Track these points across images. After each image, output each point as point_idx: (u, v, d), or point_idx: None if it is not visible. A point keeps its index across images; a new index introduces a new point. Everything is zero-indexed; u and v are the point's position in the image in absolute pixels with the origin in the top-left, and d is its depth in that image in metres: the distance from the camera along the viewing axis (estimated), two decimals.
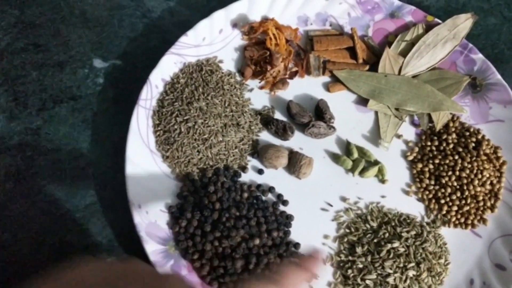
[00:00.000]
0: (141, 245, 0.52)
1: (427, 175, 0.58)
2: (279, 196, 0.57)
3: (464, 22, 0.62)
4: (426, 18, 0.64)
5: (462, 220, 0.56)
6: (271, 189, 0.57)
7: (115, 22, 0.66)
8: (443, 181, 0.57)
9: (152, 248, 0.52)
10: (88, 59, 0.64)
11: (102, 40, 0.65)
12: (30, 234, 0.55)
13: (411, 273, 0.52)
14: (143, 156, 0.56)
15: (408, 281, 0.52)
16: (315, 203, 0.57)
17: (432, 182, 0.58)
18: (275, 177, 0.58)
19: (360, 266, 0.53)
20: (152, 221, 0.53)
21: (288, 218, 0.56)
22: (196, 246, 0.52)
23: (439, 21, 0.63)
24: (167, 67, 0.60)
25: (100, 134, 0.60)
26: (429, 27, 0.63)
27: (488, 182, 0.57)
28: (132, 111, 0.57)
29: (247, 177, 0.58)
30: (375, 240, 0.54)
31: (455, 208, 0.56)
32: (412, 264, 0.53)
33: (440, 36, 0.62)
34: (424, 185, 0.58)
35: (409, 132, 0.61)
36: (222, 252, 0.52)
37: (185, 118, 0.57)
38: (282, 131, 0.59)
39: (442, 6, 0.69)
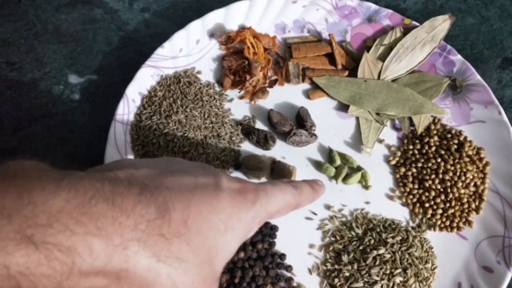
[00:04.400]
0: None
1: (411, 179, 0.57)
2: None
3: (442, 24, 0.62)
4: (403, 21, 0.63)
5: (448, 223, 0.56)
6: None
7: (90, 36, 0.65)
8: (427, 185, 0.57)
9: None
10: (63, 75, 0.63)
11: (77, 55, 0.64)
12: None
13: (398, 279, 0.52)
14: None
15: None
16: (299, 212, 0.56)
17: (416, 186, 0.57)
18: None
19: (347, 274, 0.53)
20: None
21: (273, 229, 0.55)
22: None
23: (417, 23, 0.63)
24: (144, 80, 0.59)
25: (77, 151, 0.59)
26: (407, 30, 0.63)
27: (472, 183, 0.56)
28: (109, 127, 0.56)
29: None
30: (360, 247, 0.54)
31: (439, 211, 0.56)
32: (399, 270, 0.52)
33: (418, 39, 0.62)
34: (407, 189, 0.57)
35: (391, 136, 0.60)
36: None
37: (164, 131, 0.56)
38: (263, 141, 0.58)
39: (420, 8, 0.69)
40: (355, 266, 0.53)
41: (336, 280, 0.53)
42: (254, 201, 0.36)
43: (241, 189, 0.36)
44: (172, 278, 0.31)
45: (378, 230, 0.55)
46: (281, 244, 0.55)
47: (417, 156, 0.58)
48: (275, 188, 0.40)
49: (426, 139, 0.59)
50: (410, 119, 0.60)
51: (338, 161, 0.58)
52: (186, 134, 0.56)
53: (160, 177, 0.34)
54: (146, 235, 0.30)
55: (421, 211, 0.57)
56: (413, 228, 0.56)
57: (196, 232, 0.32)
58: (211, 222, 0.33)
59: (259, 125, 0.60)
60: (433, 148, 0.58)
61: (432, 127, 0.59)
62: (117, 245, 0.29)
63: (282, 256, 0.54)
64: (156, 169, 0.35)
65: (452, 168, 0.56)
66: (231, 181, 0.36)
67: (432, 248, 0.55)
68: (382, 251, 0.53)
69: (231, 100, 0.61)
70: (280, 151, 0.59)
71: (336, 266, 0.53)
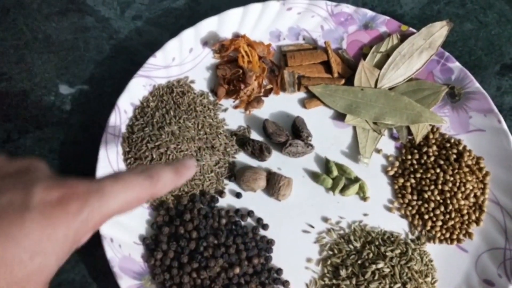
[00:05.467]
0: (115, 280, 0.49)
1: (409, 190, 0.56)
2: (259, 220, 0.55)
3: (439, 30, 0.61)
4: (400, 28, 0.62)
5: (447, 235, 0.55)
6: (250, 213, 0.55)
7: (81, 45, 0.64)
8: (426, 196, 0.55)
9: (127, 284, 0.49)
10: (53, 85, 0.61)
11: (67, 65, 0.62)
12: None
13: None
14: None
15: None
16: (296, 225, 0.55)
17: (415, 197, 0.56)
18: (254, 200, 0.56)
19: None
20: (125, 255, 0.51)
21: (269, 243, 0.54)
22: (174, 279, 0.50)
23: (414, 30, 0.62)
24: (136, 91, 0.57)
25: (68, 164, 0.57)
26: (404, 37, 0.61)
27: (472, 194, 0.55)
28: (100, 139, 0.54)
29: (224, 201, 0.56)
30: (359, 262, 0.53)
31: (439, 223, 0.55)
32: (398, 285, 0.51)
33: (416, 46, 0.60)
34: (406, 201, 0.56)
35: (388, 146, 0.59)
36: (201, 284, 0.50)
37: (156, 143, 0.55)
38: (258, 152, 0.57)
39: (417, 14, 0.67)
40: (354, 281, 0.51)
41: None
42: (79, 210, 0.31)
43: (61, 199, 0.31)
44: None
45: (377, 243, 0.54)
46: (277, 258, 0.53)
47: (416, 166, 0.57)
48: (116, 184, 0.35)
49: (425, 149, 0.57)
50: (408, 128, 0.59)
51: (335, 172, 0.57)
52: (179, 146, 0.55)
53: None
54: None
55: (420, 223, 0.55)
56: (412, 240, 0.55)
57: None
58: (6, 257, 0.28)
59: (254, 135, 0.59)
60: (432, 158, 0.57)
61: (431, 136, 0.58)
62: None
63: (279, 271, 0.53)
64: None
65: (452, 178, 0.55)
66: (50, 189, 0.31)
67: (432, 261, 0.54)
68: (381, 265, 0.52)
69: (225, 110, 0.60)
70: (275, 162, 0.58)
71: (334, 281, 0.52)
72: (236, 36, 0.62)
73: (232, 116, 0.60)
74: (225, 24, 0.61)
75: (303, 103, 0.60)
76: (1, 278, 0.28)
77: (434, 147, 0.57)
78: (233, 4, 0.62)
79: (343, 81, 0.61)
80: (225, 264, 0.51)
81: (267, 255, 0.53)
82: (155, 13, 0.66)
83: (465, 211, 0.55)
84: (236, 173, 0.57)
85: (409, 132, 0.59)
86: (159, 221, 0.53)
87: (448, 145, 0.58)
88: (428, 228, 0.55)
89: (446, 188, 0.55)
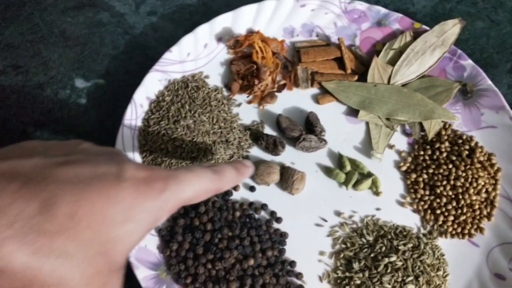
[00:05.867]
0: (132, 271, 0.50)
1: (422, 185, 0.57)
2: (272, 213, 0.55)
3: (452, 28, 0.62)
4: (413, 25, 0.63)
5: (459, 230, 0.55)
6: (263, 207, 0.56)
7: (96, 40, 0.64)
8: (438, 191, 0.56)
9: (143, 274, 0.50)
10: (69, 79, 0.62)
11: (83, 59, 0.63)
12: None
13: (410, 287, 0.51)
14: None
15: None
16: (309, 219, 0.56)
17: (427, 193, 0.57)
18: (268, 194, 0.56)
19: (358, 282, 0.52)
20: (141, 246, 0.52)
21: (283, 235, 0.54)
22: (189, 270, 0.51)
23: (427, 28, 0.62)
24: (151, 85, 0.58)
25: None
26: (417, 35, 0.62)
27: (484, 190, 0.56)
28: (117, 132, 0.55)
29: (238, 195, 0.56)
30: (372, 255, 0.53)
31: (451, 218, 0.55)
32: (411, 278, 0.51)
33: (429, 43, 0.61)
34: (419, 196, 0.57)
35: (401, 142, 0.60)
36: (216, 275, 0.51)
37: (172, 137, 0.56)
38: (272, 146, 0.57)
39: (429, 12, 0.68)
40: (366, 274, 0.52)
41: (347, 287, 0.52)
42: (162, 190, 0.35)
43: (148, 178, 0.35)
44: (57, 273, 0.30)
45: (389, 237, 0.54)
46: (291, 251, 0.54)
47: (428, 162, 0.58)
48: (189, 174, 0.39)
49: (437, 145, 0.58)
50: (421, 124, 0.59)
51: (348, 167, 0.57)
52: (194, 140, 0.56)
53: (52, 167, 0.32)
54: (24, 233, 0.29)
55: (432, 217, 0.56)
56: (424, 235, 0.55)
57: (85, 225, 0.31)
58: (106, 215, 0.32)
59: (268, 130, 0.59)
60: (444, 154, 0.57)
61: (443, 132, 0.59)
62: None
63: (292, 263, 0.53)
64: (54, 157, 0.34)
65: (464, 174, 0.56)
66: (138, 169, 0.35)
67: (443, 255, 0.54)
68: (393, 258, 0.52)
69: (239, 105, 0.61)
70: (289, 156, 0.58)
71: (347, 274, 0.53)
72: (250, 32, 0.62)
73: (246, 111, 0.60)
74: (240, 20, 0.62)
75: (316, 99, 0.61)
76: (100, 233, 0.32)
77: (447, 143, 0.58)
78: (247, 1, 0.63)
79: (356, 77, 0.61)
80: (240, 256, 0.52)
81: (280, 247, 0.54)
82: (170, 9, 0.67)
83: (476, 206, 0.55)
84: None
85: (422, 128, 0.59)
86: (175, 213, 0.54)
87: (460, 141, 0.58)
88: (440, 222, 0.55)
89: (458, 184, 0.55)
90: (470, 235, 0.55)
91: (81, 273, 0.31)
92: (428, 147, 0.58)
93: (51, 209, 0.30)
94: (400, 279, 0.51)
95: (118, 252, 0.33)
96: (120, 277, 0.34)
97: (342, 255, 0.54)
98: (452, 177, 0.56)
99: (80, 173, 0.32)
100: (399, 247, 0.53)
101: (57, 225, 0.30)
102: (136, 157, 0.56)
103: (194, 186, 0.38)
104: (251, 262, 0.51)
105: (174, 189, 0.36)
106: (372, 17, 0.63)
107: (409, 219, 0.56)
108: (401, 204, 0.57)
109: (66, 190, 0.31)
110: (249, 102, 0.61)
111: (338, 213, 0.56)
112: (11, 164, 0.32)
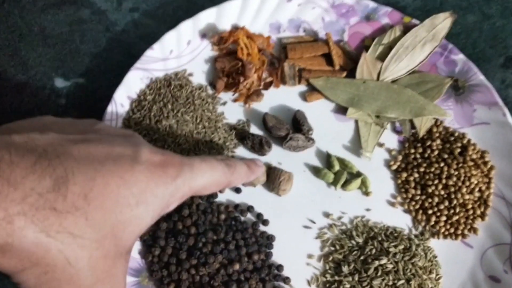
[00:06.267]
0: None
1: (413, 184, 0.55)
2: (259, 216, 0.54)
3: (442, 22, 0.60)
4: (403, 19, 0.61)
5: (452, 230, 0.53)
6: (249, 209, 0.54)
7: (77, 37, 0.62)
8: (430, 190, 0.54)
9: None
10: (49, 79, 0.60)
11: (63, 58, 0.61)
12: None
13: None
14: None
15: None
16: (297, 220, 0.54)
17: (418, 192, 0.55)
18: (254, 195, 0.55)
19: (348, 286, 0.50)
20: None
21: (269, 238, 0.53)
22: (172, 276, 0.49)
23: (417, 21, 0.60)
24: (133, 84, 0.56)
25: None
26: (406, 29, 0.60)
27: (477, 189, 0.54)
28: None
29: (223, 197, 0.55)
30: (361, 257, 0.51)
31: (443, 218, 0.53)
32: (402, 282, 0.50)
33: (419, 38, 0.59)
34: (410, 196, 0.55)
35: (391, 140, 0.58)
36: (200, 281, 0.49)
37: (153, 137, 0.54)
38: (258, 146, 0.55)
39: (419, 5, 0.66)
40: (356, 278, 0.50)
41: None
42: (175, 176, 0.35)
43: (163, 163, 0.35)
44: (63, 253, 0.29)
45: (380, 238, 0.53)
46: (278, 254, 0.52)
47: (419, 161, 0.56)
48: (203, 164, 0.39)
49: (428, 143, 0.56)
50: (411, 121, 0.58)
51: (337, 167, 0.55)
52: (177, 140, 0.54)
53: (67, 144, 0.32)
54: (35, 209, 0.28)
55: (424, 218, 0.54)
56: (416, 236, 0.54)
57: (97, 206, 0.30)
58: (119, 196, 0.32)
59: (254, 129, 0.58)
60: (436, 152, 0.56)
61: (435, 129, 0.57)
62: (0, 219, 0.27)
63: (280, 267, 0.51)
64: (69, 134, 0.33)
65: (456, 172, 0.54)
66: (153, 153, 0.35)
67: (436, 257, 0.53)
68: (384, 261, 0.50)
69: (224, 103, 0.59)
70: (276, 156, 0.56)
71: (336, 278, 0.51)
72: (235, 28, 0.60)
73: (231, 110, 0.58)
74: (224, 16, 0.60)
75: (304, 96, 0.59)
76: (110, 215, 0.31)
77: (438, 141, 0.56)
78: None
79: (344, 73, 0.59)
80: (225, 261, 0.50)
81: (267, 251, 0.52)
82: (153, 5, 0.65)
83: (469, 206, 0.54)
84: None
85: (413, 126, 0.58)
86: None
87: (452, 138, 0.56)
88: (432, 223, 0.54)
89: (450, 183, 0.54)
90: (463, 235, 0.53)
91: (88, 256, 0.30)
92: (419, 145, 0.57)
93: (64, 186, 0.29)
94: (391, 283, 0.50)
95: (127, 235, 0.33)
96: (126, 261, 0.34)
97: (331, 258, 0.52)
98: (444, 176, 0.54)
99: (95, 153, 0.32)
100: (390, 249, 0.51)
101: (69, 203, 0.29)
102: None
103: (207, 176, 0.38)
104: (237, 266, 0.50)
105: (187, 176, 0.36)
106: (360, 11, 0.61)
107: (400, 220, 0.55)
108: (392, 204, 0.55)
109: (81, 168, 0.30)
110: (235, 100, 0.59)
111: (326, 214, 0.54)
112: (27, 137, 0.31)
